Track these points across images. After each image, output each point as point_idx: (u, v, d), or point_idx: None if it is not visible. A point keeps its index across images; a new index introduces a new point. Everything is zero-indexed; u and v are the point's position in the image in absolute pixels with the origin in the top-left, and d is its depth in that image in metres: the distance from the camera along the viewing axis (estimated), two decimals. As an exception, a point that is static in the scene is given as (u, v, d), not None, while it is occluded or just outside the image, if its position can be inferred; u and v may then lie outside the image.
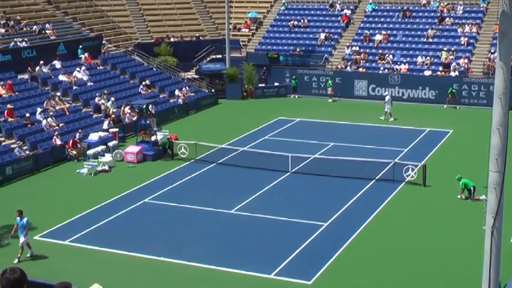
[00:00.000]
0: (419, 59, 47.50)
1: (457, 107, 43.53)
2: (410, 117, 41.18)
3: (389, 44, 49.71)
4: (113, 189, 28.75)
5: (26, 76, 40.08)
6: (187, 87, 45.89)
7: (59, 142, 33.46)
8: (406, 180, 29.00)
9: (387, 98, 41.52)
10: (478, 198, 26.20)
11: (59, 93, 39.34)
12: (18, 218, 22.37)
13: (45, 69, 40.76)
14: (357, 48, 49.66)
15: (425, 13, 52.03)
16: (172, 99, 44.03)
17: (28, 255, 22.33)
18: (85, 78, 41.81)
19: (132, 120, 38.35)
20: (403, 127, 38.97)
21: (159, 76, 46.59)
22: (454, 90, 43.52)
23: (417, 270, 21.06)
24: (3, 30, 42.85)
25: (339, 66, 48.60)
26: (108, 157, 32.66)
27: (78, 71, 41.85)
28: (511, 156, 13.16)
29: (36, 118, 35.37)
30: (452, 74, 45.16)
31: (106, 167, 31.70)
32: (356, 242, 23.22)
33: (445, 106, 43.68)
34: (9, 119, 34.53)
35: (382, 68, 47.56)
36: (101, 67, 44.72)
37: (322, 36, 51.46)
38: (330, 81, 46.45)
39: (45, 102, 37.21)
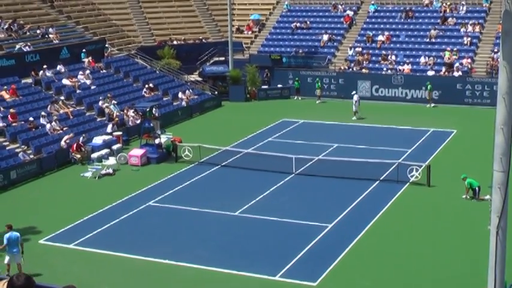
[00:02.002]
0: (423, 59, 47.46)
1: (433, 105, 44.10)
2: (414, 117, 41.14)
3: (392, 45, 49.70)
4: (117, 193, 28.77)
5: (29, 80, 40.15)
6: (190, 90, 45.93)
7: (66, 141, 33.57)
8: (410, 181, 28.96)
9: (355, 97, 41.72)
10: (483, 198, 26.12)
11: (62, 97, 39.41)
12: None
13: (48, 74, 40.84)
14: (360, 49, 49.66)
15: (427, 13, 51.99)
16: (175, 102, 44.07)
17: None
18: (88, 82, 41.89)
19: (135, 123, 38.39)
20: (406, 128, 38.92)
21: (162, 79, 46.63)
22: (430, 86, 43.96)
23: (422, 270, 21.01)
24: (6, 35, 42.95)
25: (342, 67, 48.58)
26: (112, 160, 32.68)
27: (82, 75, 41.97)
28: (515, 155, 13.13)
29: (40, 122, 35.44)
30: (456, 74, 45.10)
31: (110, 170, 31.73)
32: (361, 243, 23.19)
33: (427, 106, 44.03)
34: (14, 124, 34.60)
35: (385, 69, 47.53)
36: (104, 71, 44.78)
37: (325, 37, 51.45)
38: (319, 83, 46.43)
39: (49, 106, 37.28)
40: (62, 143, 33.60)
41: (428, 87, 44.00)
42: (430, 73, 45.97)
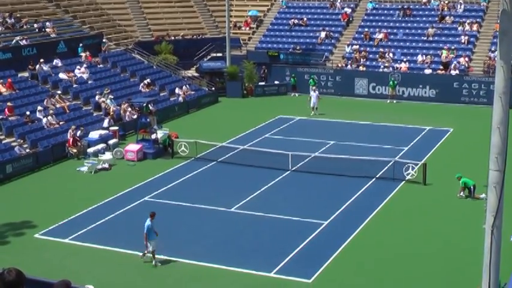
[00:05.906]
0: (420, 58, 47.48)
1: (394, 101, 44.93)
2: (410, 115, 41.17)
3: (389, 43, 49.69)
4: (113, 188, 28.75)
5: (26, 74, 40.08)
6: (187, 86, 45.89)
7: (71, 133, 33.72)
8: (406, 179, 29.00)
9: (315, 93, 42.05)
10: (478, 197, 26.19)
11: (59, 92, 39.34)
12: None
13: (45, 67, 40.76)
14: (357, 46, 49.64)
15: (425, 11, 52.00)
16: (172, 98, 44.03)
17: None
18: (85, 76, 41.81)
19: (132, 118, 38.35)
20: (403, 125, 38.95)
21: (159, 74, 46.57)
22: (395, 82, 44.77)
23: (417, 268, 21.05)
24: (3, 29, 42.83)
25: (339, 65, 48.58)
26: (108, 155, 32.65)
27: (79, 69, 41.90)
28: (511, 155, 13.15)
29: (36, 116, 35.38)
30: (453, 72, 45.15)
31: (106, 165, 31.70)
32: (356, 240, 23.22)
33: (388, 101, 44.82)
34: (10, 118, 34.52)
35: (382, 67, 47.54)
36: (101, 65, 44.71)
37: (323, 34, 51.43)
38: (313, 80, 46.34)
39: (46, 100, 37.21)
40: (71, 132, 33.59)
41: (394, 83, 44.79)
42: (428, 71, 46.01)
